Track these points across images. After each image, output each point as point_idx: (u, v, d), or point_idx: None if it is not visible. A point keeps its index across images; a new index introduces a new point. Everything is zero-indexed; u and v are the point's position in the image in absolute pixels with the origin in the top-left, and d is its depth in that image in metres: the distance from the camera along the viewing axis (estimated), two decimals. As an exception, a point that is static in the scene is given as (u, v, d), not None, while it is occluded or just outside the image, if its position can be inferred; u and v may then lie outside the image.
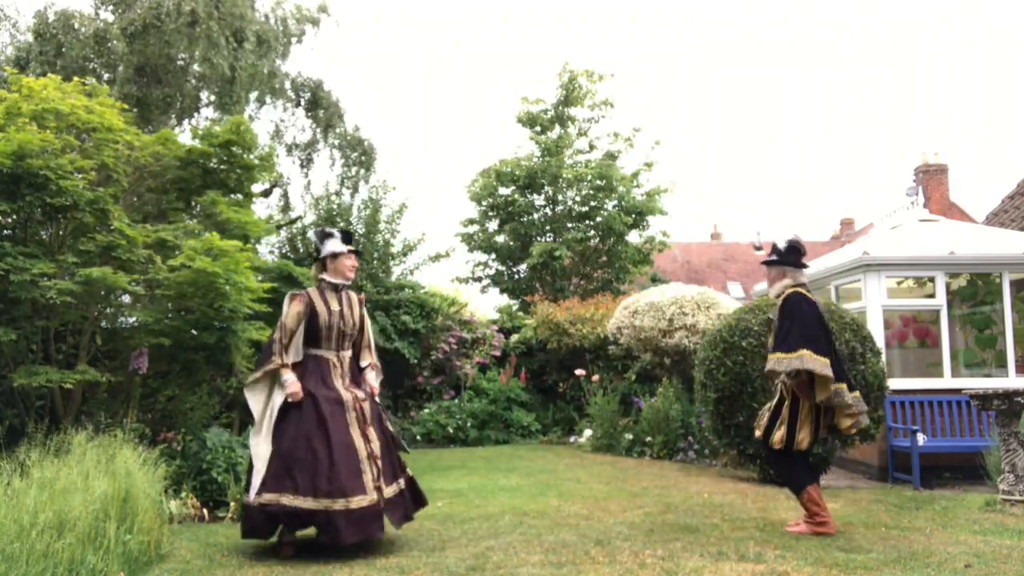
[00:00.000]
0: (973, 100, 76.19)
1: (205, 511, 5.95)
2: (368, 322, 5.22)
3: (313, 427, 4.59)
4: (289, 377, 4.64)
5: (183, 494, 5.93)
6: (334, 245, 4.95)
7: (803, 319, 5.07)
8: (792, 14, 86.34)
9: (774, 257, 5.41)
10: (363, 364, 5.13)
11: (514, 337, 13.43)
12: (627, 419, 10.25)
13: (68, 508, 3.94)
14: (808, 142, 72.93)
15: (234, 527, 5.40)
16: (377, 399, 5.03)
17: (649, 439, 9.47)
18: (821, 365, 4.88)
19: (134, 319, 6.42)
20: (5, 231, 6.29)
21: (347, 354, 4.98)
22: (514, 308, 16.36)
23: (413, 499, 5.00)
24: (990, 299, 8.57)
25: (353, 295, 5.10)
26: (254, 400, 4.71)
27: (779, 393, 5.25)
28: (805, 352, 4.90)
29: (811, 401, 5.05)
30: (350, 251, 5.01)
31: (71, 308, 6.21)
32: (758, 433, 5.33)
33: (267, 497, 4.46)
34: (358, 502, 4.47)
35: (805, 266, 5.40)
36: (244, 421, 10.18)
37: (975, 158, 60.75)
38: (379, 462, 4.70)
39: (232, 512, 5.86)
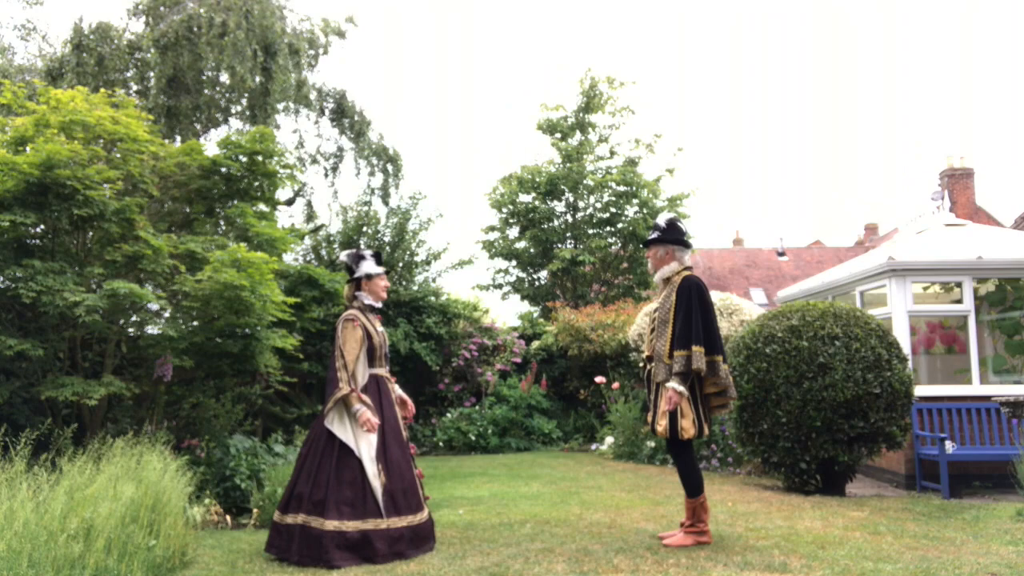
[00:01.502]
0: (999, 104, 75.14)
1: (228, 517, 6.00)
2: None
3: (400, 449, 4.84)
4: (360, 407, 4.66)
5: (206, 500, 5.98)
6: (369, 267, 5.03)
7: (705, 307, 4.86)
8: (816, 19, 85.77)
9: (656, 235, 5.13)
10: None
11: (535, 344, 13.41)
12: (649, 427, 10.18)
13: (96, 515, 3.98)
14: (832, 147, 72.29)
15: (257, 533, 5.45)
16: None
17: (671, 447, 9.39)
18: (706, 362, 4.79)
19: (159, 330, 6.48)
20: (33, 241, 6.39)
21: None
22: (535, 315, 16.34)
23: None
24: (1019, 304, 8.42)
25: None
26: (339, 429, 4.68)
27: (655, 385, 5.08)
28: (698, 349, 4.76)
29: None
30: (383, 272, 5.12)
31: (98, 320, 6.30)
32: (657, 430, 5.09)
33: (391, 521, 4.61)
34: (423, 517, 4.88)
35: (689, 245, 5.14)
36: (268, 428, 10.27)
37: (1001, 162, 59.83)
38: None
39: (255, 519, 5.90)
